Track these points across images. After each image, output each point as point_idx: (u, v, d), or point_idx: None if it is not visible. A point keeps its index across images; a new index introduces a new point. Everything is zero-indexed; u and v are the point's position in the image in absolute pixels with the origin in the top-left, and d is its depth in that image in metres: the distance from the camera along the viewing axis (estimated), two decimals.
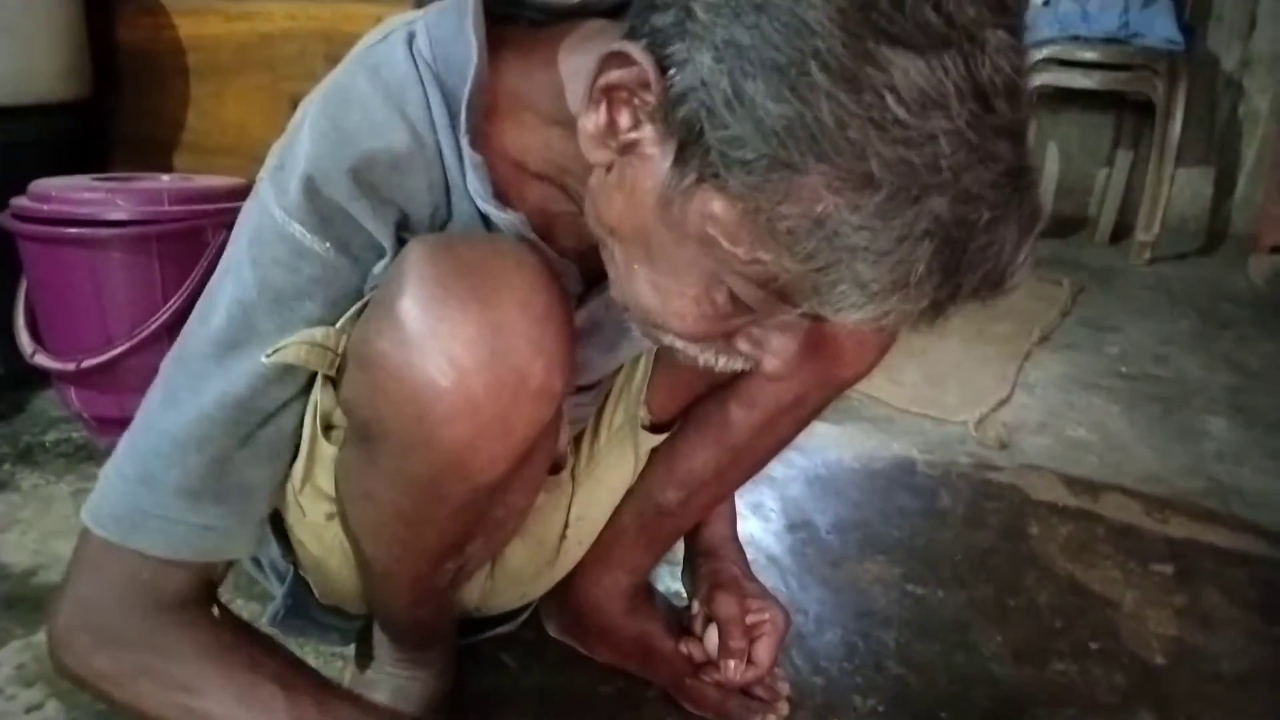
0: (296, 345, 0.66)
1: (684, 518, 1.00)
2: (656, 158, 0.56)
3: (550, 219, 0.71)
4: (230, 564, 0.77)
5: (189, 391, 0.69)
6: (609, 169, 0.60)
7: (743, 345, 0.63)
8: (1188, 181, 3.52)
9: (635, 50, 0.55)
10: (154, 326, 1.45)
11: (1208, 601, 1.28)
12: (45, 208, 1.45)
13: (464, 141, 0.65)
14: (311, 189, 0.64)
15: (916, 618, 1.20)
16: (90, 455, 1.49)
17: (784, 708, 1.00)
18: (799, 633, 1.14)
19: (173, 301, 1.46)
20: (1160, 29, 2.98)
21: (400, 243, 0.67)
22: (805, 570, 1.30)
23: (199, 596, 0.74)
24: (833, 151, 0.48)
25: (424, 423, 0.63)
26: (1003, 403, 1.92)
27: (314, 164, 0.64)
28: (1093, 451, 1.74)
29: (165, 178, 1.61)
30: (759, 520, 1.41)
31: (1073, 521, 1.47)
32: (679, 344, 0.64)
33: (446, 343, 0.61)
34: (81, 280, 1.47)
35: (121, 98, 1.86)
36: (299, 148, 0.65)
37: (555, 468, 0.90)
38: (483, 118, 0.66)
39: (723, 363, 0.65)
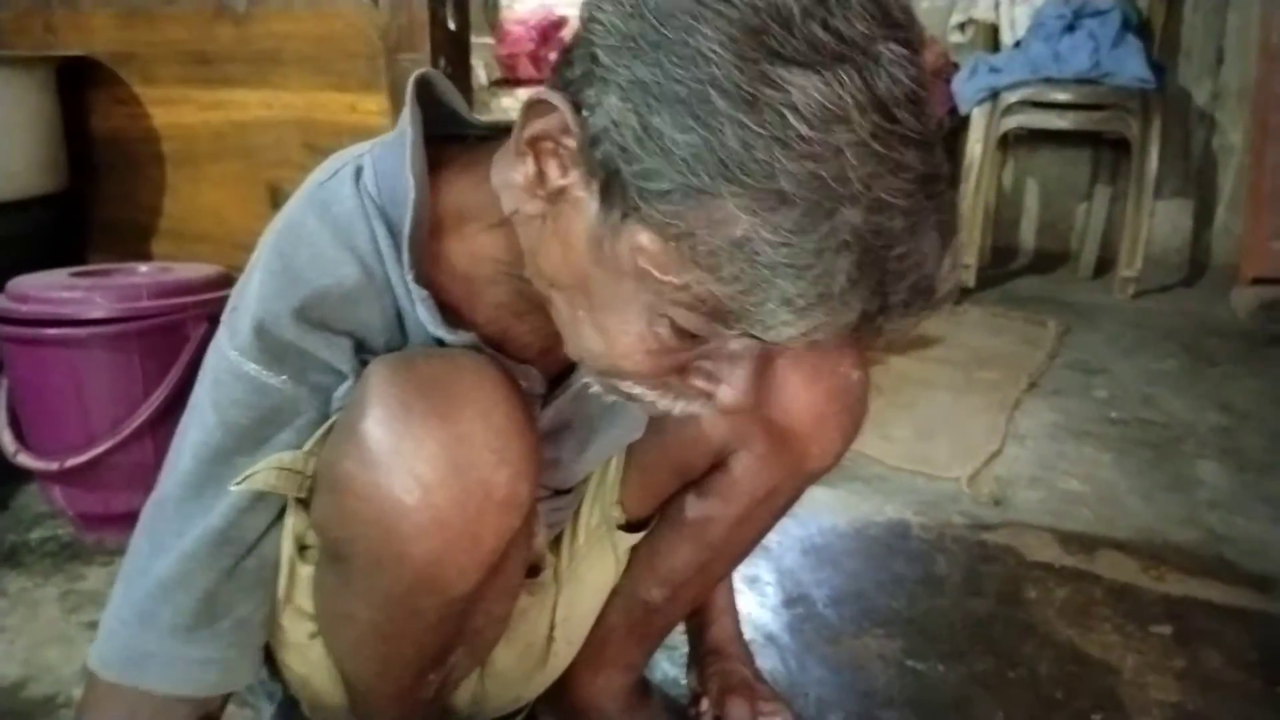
0: (265, 471, 0.68)
1: (672, 613, 1.00)
2: (585, 200, 0.58)
3: (506, 324, 0.73)
4: (228, 697, 0.78)
5: (170, 534, 0.70)
6: (543, 219, 0.62)
7: (697, 381, 0.64)
8: (1167, 214, 3.55)
9: (552, 96, 0.57)
10: (137, 423, 1.44)
11: (1207, 664, 1.27)
12: (24, 308, 1.44)
13: (408, 277, 0.67)
14: (261, 330, 0.66)
15: (917, 695, 1.19)
16: (77, 554, 1.47)
17: None
18: (796, 712, 1.12)
19: (155, 397, 1.45)
20: (1131, 68, 3.01)
21: (361, 364, 0.68)
22: (804, 649, 1.28)
23: None
24: (742, 173, 0.49)
25: (392, 541, 0.64)
26: (994, 456, 1.92)
27: (264, 305, 0.66)
28: (1086, 504, 1.73)
29: (143, 268, 1.61)
30: (756, 595, 1.40)
31: (1070, 583, 1.46)
32: (635, 389, 0.65)
33: (410, 460, 0.62)
34: (63, 379, 1.46)
35: (98, 187, 1.86)
36: (251, 288, 0.68)
37: (534, 570, 0.90)
38: (430, 239, 0.68)
39: (681, 406, 0.65)
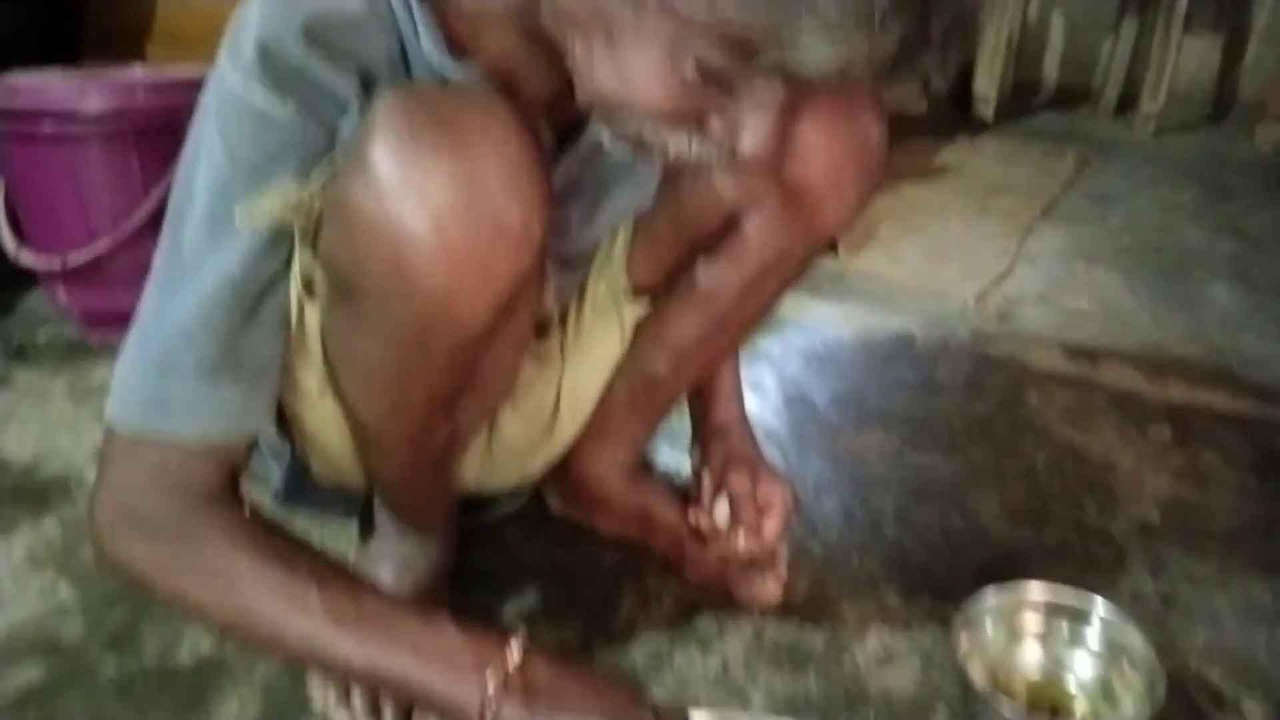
0: (271, 203, 0.66)
1: (676, 386, 0.99)
2: None
3: (513, 70, 0.70)
4: (251, 451, 0.77)
5: (187, 279, 0.68)
6: None
7: (717, 128, 0.61)
8: (1195, 50, 3.42)
9: None
10: (137, 220, 1.43)
11: (1204, 462, 1.28)
12: (18, 102, 1.41)
13: (414, 2, 0.64)
14: (266, 51, 0.63)
15: (914, 484, 1.21)
16: (84, 351, 1.49)
17: (783, 572, 1.01)
18: (797, 489, 1.14)
19: (153, 194, 1.43)
20: None
21: (366, 98, 0.65)
22: (803, 443, 1.30)
23: (226, 487, 0.74)
24: None
25: (403, 273, 0.63)
26: (1003, 276, 1.91)
27: (266, 26, 0.63)
28: (1093, 321, 1.73)
29: (138, 69, 1.57)
30: (757, 397, 1.40)
31: (1072, 389, 1.47)
32: (651, 132, 0.63)
33: (421, 191, 0.61)
34: (60, 176, 1.44)
35: None
36: (251, 14, 0.64)
37: (541, 329, 0.90)
38: None
39: (697, 148, 0.63)
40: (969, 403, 1.42)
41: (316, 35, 0.64)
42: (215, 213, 0.67)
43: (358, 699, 0.84)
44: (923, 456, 1.27)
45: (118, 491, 0.72)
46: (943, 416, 1.37)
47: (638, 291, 0.93)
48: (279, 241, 0.68)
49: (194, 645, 0.91)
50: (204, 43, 1.69)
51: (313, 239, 0.68)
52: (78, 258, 1.44)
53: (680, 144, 0.63)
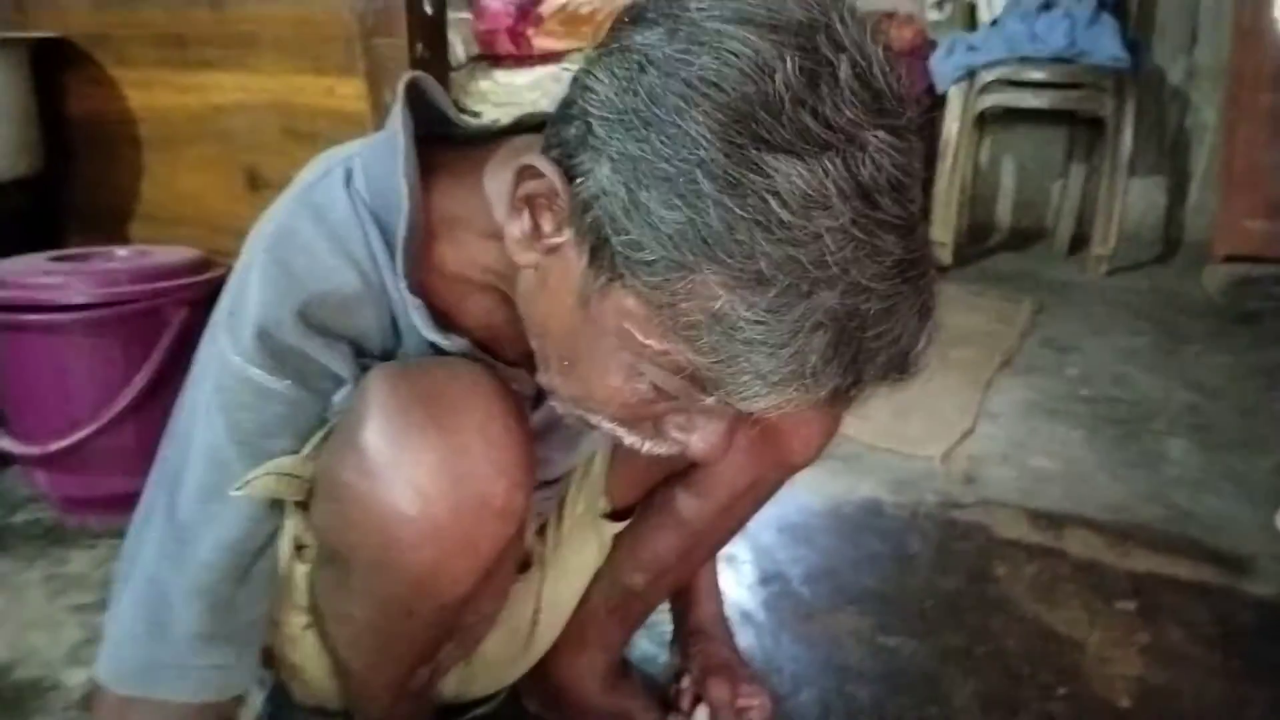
0: (266, 477, 0.69)
1: (653, 597, 1.02)
2: (574, 259, 0.59)
3: (497, 327, 0.74)
4: (241, 699, 0.79)
5: (185, 544, 0.71)
6: (535, 270, 0.63)
7: (671, 430, 0.65)
8: (1142, 192, 3.59)
9: (543, 163, 0.59)
10: (119, 408, 1.45)
11: (1169, 639, 1.31)
12: (3, 294, 1.44)
13: (402, 286, 0.68)
14: (264, 334, 0.67)
15: (889, 671, 1.22)
16: (61, 538, 1.49)
17: None
18: (776, 694, 1.15)
19: (136, 381, 1.46)
20: (1106, 47, 3.03)
21: (360, 369, 0.69)
22: (779, 625, 1.31)
23: None
24: (724, 253, 0.51)
25: (391, 549, 0.66)
26: (967, 434, 1.95)
27: (264, 311, 0.67)
28: (1056, 482, 1.77)
29: (122, 251, 1.61)
30: (732, 572, 1.42)
31: (1038, 559, 1.50)
32: (607, 425, 0.66)
33: (410, 471, 0.64)
34: (44, 364, 1.47)
35: (73, 170, 1.85)
36: (249, 294, 0.67)
37: (523, 566, 0.92)
38: (421, 244, 0.69)
39: (650, 446, 0.67)
40: (939, 578, 1.44)
41: (312, 317, 0.67)
42: (213, 483, 0.69)
43: None
44: (896, 640, 1.29)
45: None
46: (914, 594, 1.40)
47: (615, 507, 0.97)
48: (276, 507, 0.71)
49: None
50: (188, 225, 1.76)
51: (304, 504, 0.71)
52: (58, 445, 1.45)
53: (634, 440, 0.66)
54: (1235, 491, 1.75)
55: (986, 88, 3.14)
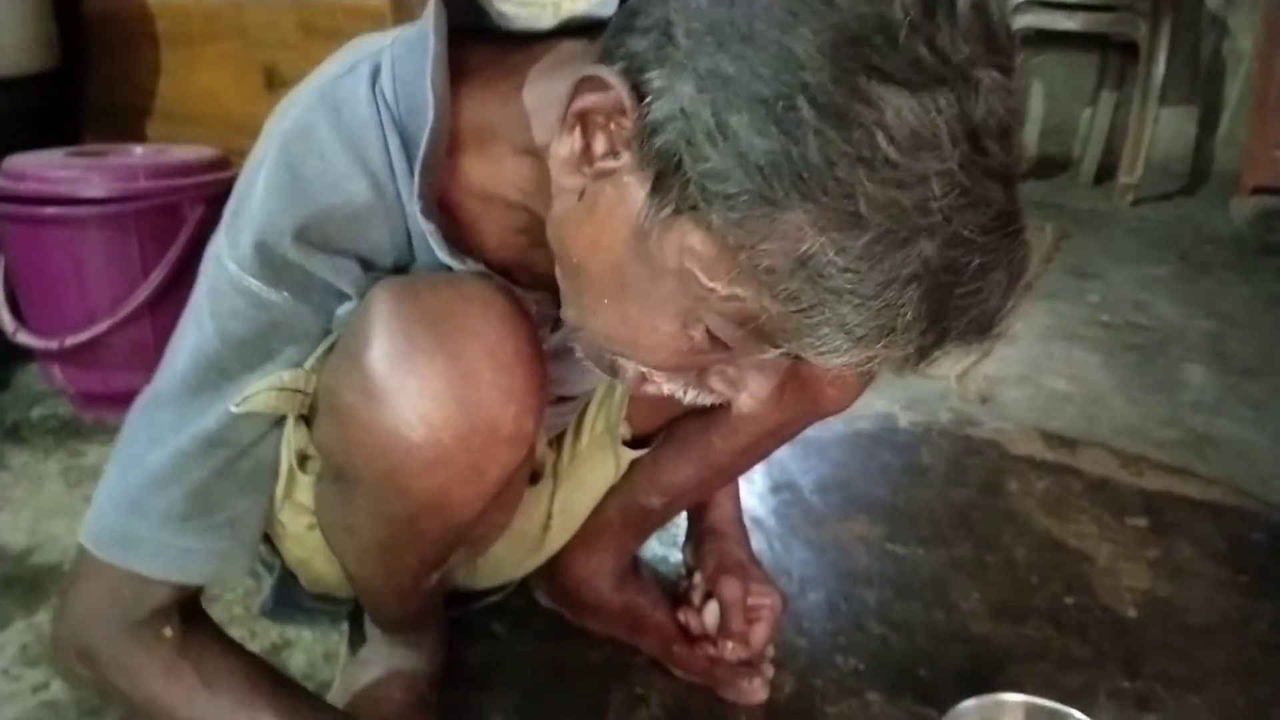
0: (265, 392, 0.66)
1: (668, 515, 1.04)
2: (633, 186, 0.53)
3: (521, 249, 0.70)
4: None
5: (165, 428, 0.70)
6: (580, 196, 0.57)
7: (716, 383, 0.61)
8: (1172, 121, 3.51)
9: (610, 75, 0.53)
10: (135, 303, 1.45)
11: (1179, 554, 1.31)
12: (21, 186, 1.44)
13: (416, 208, 0.63)
14: (262, 246, 0.63)
15: (897, 576, 1.23)
16: (78, 431, 1.50)
17: (769, 671, 1.03)
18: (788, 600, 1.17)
19: (153, 277, 1.46)
20: None
21: (367, 283, 0.66)
22: (789, 532, 1.32)
23: (175, 608, 0.75)
24: (819, 190, 0.46)
25: (396, 474, 0.64)
26: (984, 355, 1.94)
27: (266, 220, 0.63)
28: (1072, 404, 1.76)
29: (139, 149, 1.60)
30: (743, 482, 1.42)
31: (1051, 476, 1.50)
32: (642, 372, 0.62)
33: (415, 397, 0.61)
34: (61, 258, 1.47)
35: (91, 67, 1.83)
36: (254, 197, 0.64)
37: (534, 477, 0.91)
38: (448, 154, 0.64)
39: (692, 396, 0.63)
40: (951, 490, 1.44)
41: (315, 234, 0.63)
42: (197, 378, 0.68)
43: None
44: (906, 548, 1.29)
45: (71, 611, 0.75)
46: (925, 505, 1.40)
47: (635, 434, 0.96)
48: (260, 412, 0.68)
49: None
50: (205, 123, 1.75)
51: (307, 418, 0.70)
52: (76, 339, 1.46)
53: (674, 388, 0.63)
54: (1253, 417, 1.74)
55: (1018, 8, 3.06)
